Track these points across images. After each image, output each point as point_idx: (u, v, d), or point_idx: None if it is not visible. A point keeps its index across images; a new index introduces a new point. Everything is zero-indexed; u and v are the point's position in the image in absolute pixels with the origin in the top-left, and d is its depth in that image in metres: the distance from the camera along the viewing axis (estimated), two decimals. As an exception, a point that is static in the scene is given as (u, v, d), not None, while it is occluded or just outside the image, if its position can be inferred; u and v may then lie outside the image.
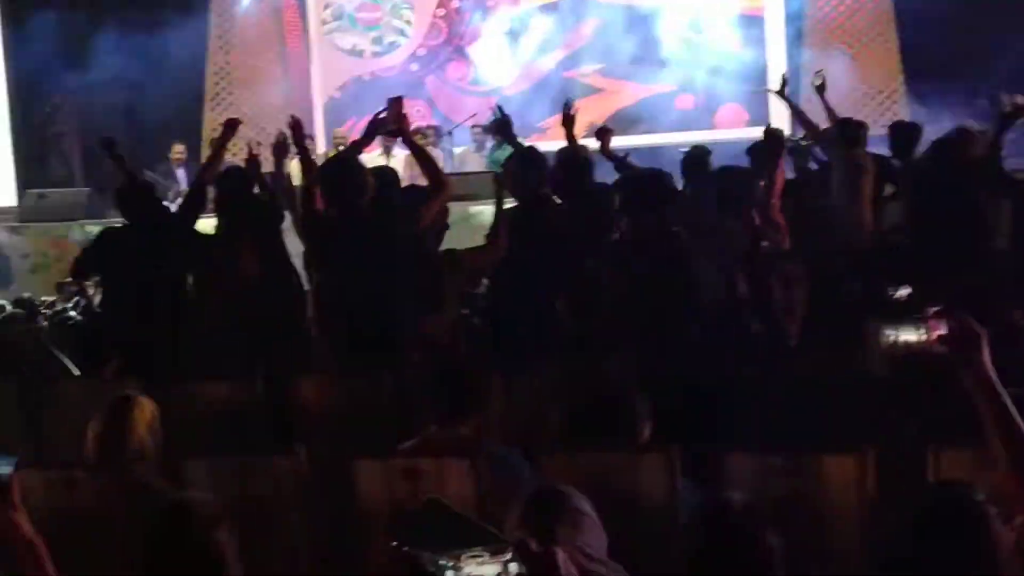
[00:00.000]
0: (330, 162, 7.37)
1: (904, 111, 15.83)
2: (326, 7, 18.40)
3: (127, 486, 4.72)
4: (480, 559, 2.59)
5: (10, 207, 16.52)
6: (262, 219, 7.75)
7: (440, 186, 7.06)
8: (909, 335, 3.48)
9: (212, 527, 3.41)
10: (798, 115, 9.92)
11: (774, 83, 10.89)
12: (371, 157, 12.90)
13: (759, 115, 16.45)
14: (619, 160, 8.96)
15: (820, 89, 9.88)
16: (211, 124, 17.84)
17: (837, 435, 4.89)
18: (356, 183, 6.92)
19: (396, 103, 7.15)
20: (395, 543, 2.64)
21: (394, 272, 6.82)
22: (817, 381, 5.82)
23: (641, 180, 7.41)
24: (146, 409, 5.03)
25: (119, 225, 8.11)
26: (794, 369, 6.20)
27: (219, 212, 8.02)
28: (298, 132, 7.75)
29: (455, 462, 4.76)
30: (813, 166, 10.37)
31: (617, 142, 9.48)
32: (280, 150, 7.88)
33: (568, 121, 8.36)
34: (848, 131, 9.37)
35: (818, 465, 4.54)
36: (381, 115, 7.14)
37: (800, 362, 6.36)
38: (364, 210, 6.91)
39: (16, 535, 3.84)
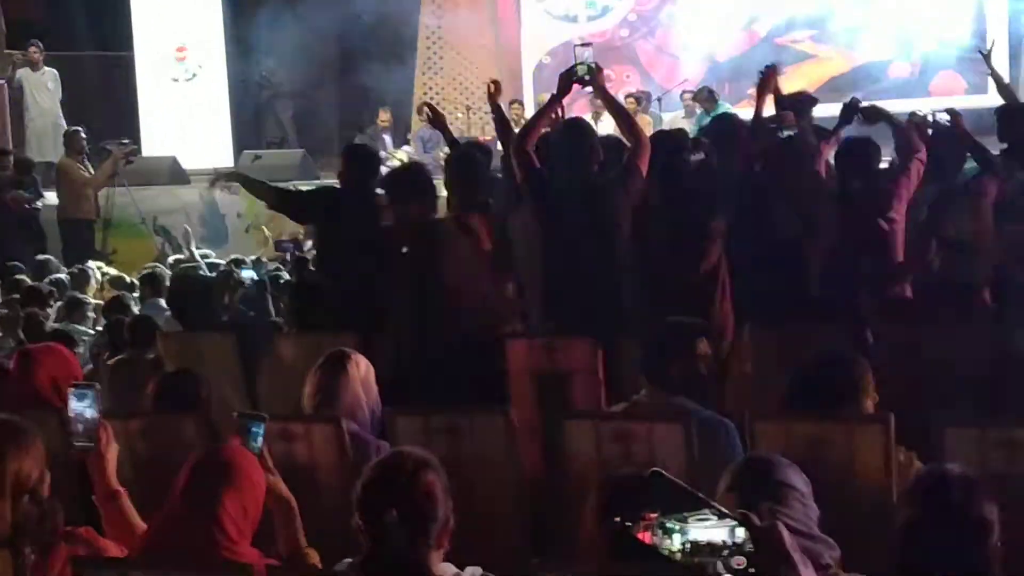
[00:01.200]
0: (564, 126, 7.24)
1: None
2: (536, -24, 18.46)
3: (342, 440, 4.80)
4: (707, 522, 2.56)
5: (228, 168, 16.95)
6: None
7: (639, 143, 6.86)
8: None
9: (421, 469, 3.46)
10: (999, 83, 9.60)
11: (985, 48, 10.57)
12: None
13: (977, 83, 16.01)
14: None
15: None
16: (421, 88, 18.04)
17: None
18: (586, 150, 6.84)
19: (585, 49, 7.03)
20: (616, 519, 2.62)
21: (615, 238, 6.77)
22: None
23: None
24: (360, 365, 5.10)
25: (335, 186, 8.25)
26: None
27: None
28: (494, 96, 7.86)
29: (666, 426, 4.72)
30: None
31: (830, 110, 9.24)
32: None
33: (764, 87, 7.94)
34: None
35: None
36: (573, 69, 7.00)
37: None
38: (590, 177, 6.84)
39: (272, 496, 4.04)
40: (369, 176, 7.89)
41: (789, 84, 8.54)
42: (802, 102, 8.50)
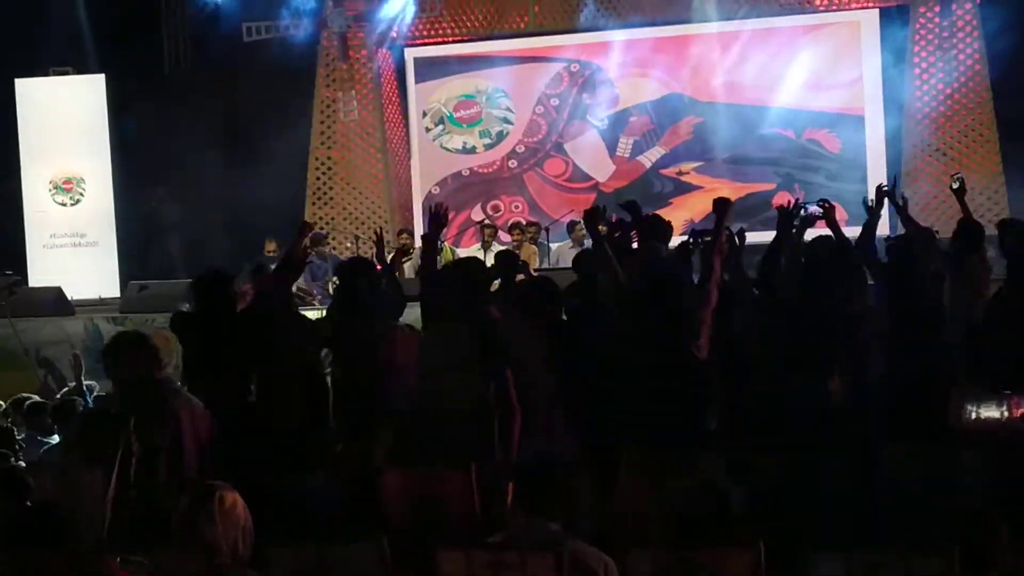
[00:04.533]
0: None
1: (1008, 209, 15.60)
2: (424, 114, 18.67)
3: (210, 573, 4.71)
4: None
5: (114, 298, 16.81)
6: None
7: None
8: (990, 412, 3.44)
9: None
10: (904, 215, 9.87)
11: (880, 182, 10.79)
12: (471, 251, 13.00)
13: (857, 213, 16.33)
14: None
15: (959, 192, 9.88)
16: (312, 217, 18.05)
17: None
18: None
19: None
20: None
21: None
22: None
23: None
24: (227, 499, 5.02)
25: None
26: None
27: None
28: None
29: (540, 556, 4.71)
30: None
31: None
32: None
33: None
34: (970, 235, 9.31)
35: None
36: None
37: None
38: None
39: None
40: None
41: (676, 214, 8.66)
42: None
